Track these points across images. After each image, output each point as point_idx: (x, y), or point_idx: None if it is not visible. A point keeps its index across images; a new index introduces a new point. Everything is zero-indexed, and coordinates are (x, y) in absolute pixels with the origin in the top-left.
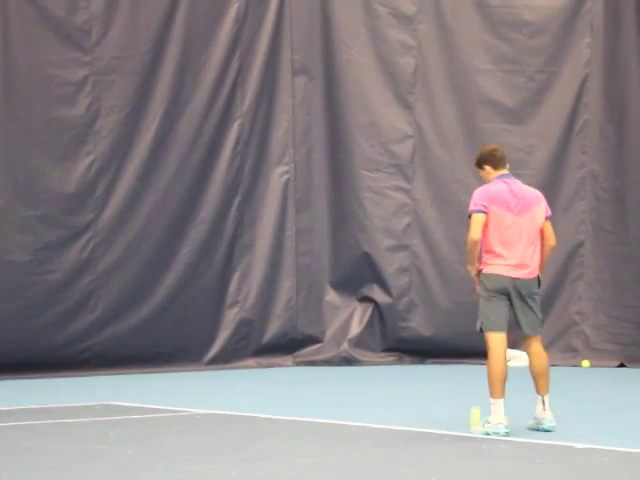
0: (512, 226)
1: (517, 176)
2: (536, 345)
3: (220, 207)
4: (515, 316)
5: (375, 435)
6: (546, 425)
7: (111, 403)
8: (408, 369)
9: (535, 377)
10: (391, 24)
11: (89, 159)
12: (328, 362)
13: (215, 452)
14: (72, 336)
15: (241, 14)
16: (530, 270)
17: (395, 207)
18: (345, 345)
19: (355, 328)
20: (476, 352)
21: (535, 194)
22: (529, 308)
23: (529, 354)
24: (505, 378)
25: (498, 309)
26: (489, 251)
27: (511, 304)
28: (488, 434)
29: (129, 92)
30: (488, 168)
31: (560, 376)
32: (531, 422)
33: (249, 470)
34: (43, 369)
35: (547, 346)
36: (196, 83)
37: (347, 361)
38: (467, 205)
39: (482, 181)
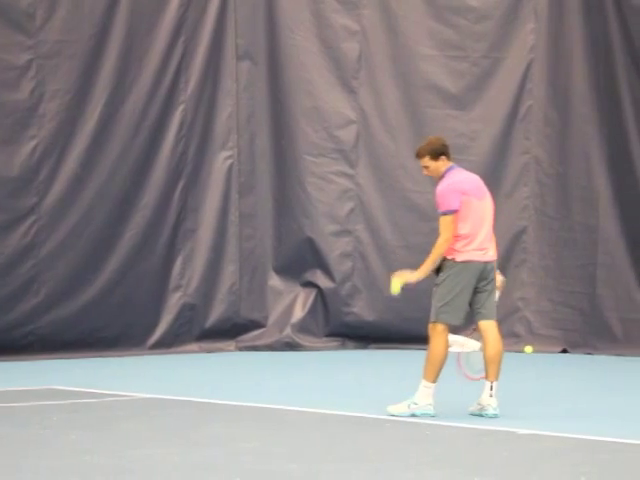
0: (477, 211)
1: (461, 161)
2: (495, 330)
3: (163, 191)
4: (475, 302)
5: (318, 420)
6: (490, 413)
7: (54, 387)
8: (351, 354)
9: (487, 362)
10: (335, 9)
11: (33, 143)
12: (271, 347)
13: (158, 437)
14: (15, 320)
15: None
16: (494, 252)
17: (339, 192)
18: (288, 330)
19: (298, 313)
20: (419, 337)
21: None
22: (491, 292)
23: (487, 339)
24: (442, 365)
25: (465, 302)
26: (459, 238)
27: (475, 289)
28: (415, 415)
29: (73, 76)
30: (444, 158)
31: (503, 361)
32: (474, 407)
33: (192, 454)
34: None
35: None
36: (140, 67)
37: (290, 346)
38: (410, 190)
39: (424, 172)
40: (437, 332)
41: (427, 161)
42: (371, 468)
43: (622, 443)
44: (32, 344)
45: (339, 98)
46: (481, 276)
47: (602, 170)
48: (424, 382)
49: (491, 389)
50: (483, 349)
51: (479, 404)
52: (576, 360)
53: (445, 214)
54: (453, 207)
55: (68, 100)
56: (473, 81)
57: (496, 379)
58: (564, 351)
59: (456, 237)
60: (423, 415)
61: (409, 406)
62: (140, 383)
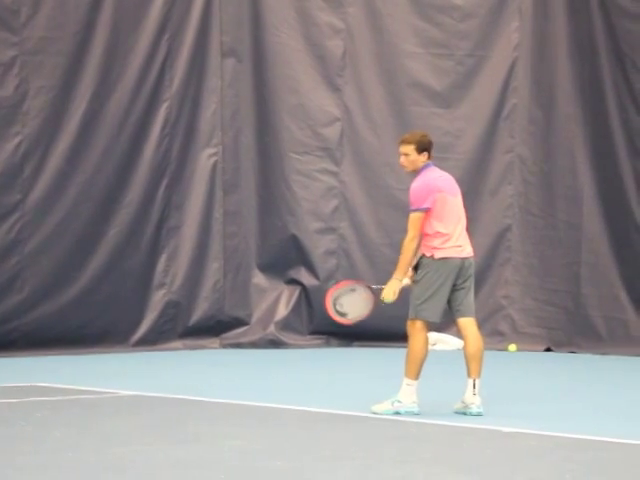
0: (453, 208)
1: (445, 160)
2: (474, 327)
3: (148, 189)
4: (453, 300)
5: (302, 417)
6: (474, 411)
7: (38, 384)
8: (335, 352)
9: (469, 359)
10: (320, 7)
11: (17, 140)
12: (255, 345)
13: (142, 434)
14: None
15: None
16: (470, 249)
17: (323, 190)
18: (272, 328)
19: (282, 311)
20: (403, 335)
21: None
22: (469, 289)
23: (466, 336)
24: (423, 361)
25: (444, 299)
26: (437, 235)
27: (454, 287)
28: (399, 413)
29: (58, 73)
30: (426, 154)
31: (487, 360)
32: (458, 405)
33: (176, 452)
34: None
35: None
36: (125, 64)
37: (274, 344)
38: (394, 188)
39: (401, 160)
40: (416, 329)
41: (411, 150)
42: (355, 465)
43: (606, 442)
44: (16, 341)
45: (324, 96)
46: (459, 273)
47: (586, 168)
48: (406, 380)
49: (474, 387)
50: (463, 347)
51: (463, 402)
52: (560, 359)
53: (415, 211)
54: (424, 205)
55: (52, 97)
56: (458, 79)
57: (478, 376)
58: (548, 350)
59: (434, 234)
60: (407, 413)
61: (393, 404)
62: (124, 380)
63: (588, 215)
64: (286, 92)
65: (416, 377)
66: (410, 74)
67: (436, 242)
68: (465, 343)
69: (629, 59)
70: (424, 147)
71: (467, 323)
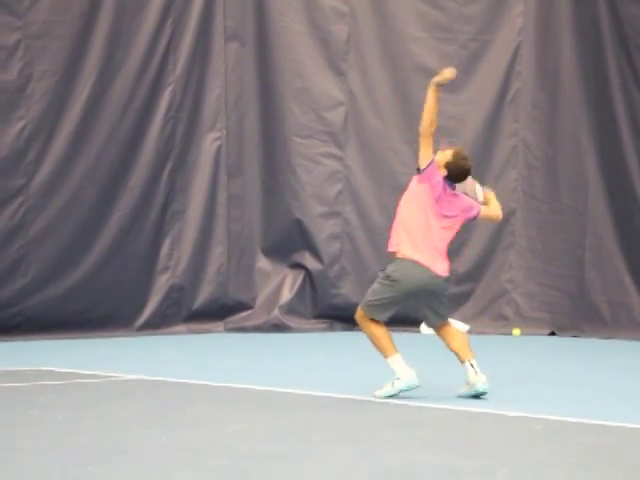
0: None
1: (449, 144)
2: (450, 325)
3: (152, 173)
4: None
5: (305, 401)
6: (480, 388)
7: (42, 368)
8: (339, 336)
9: (458, 351)
10: None
11: (21, 124)
12: (259, 328)
13: (146, 418)
14: (3, 301)
15: None
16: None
17: (327, 174)
18: (276, 312)
19: (286, 295)
20: (406, 319)
21: None
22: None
23: (448, 336)
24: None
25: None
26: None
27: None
28: (403, 390)
29: (61, 57)
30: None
31: (491, 344)
32: (464, 388)
33: (180, 436)
34: None
35: (478, 314)
36: (129, 48)
37: (278, 328)
38: (398, 172)
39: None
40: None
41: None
42: (359, 450)
43: (611, 426)
44: (20, 325)
45: (328, 80)
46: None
47: (591, 153)
48: (389, 360)
49: (473, 366)
50: (449, 345)
51: (468, 384)
52: (564, 343)
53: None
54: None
55: (56, 81)
56: (462, 63)
57: (472, 357)
58: (552, 334)
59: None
60: (410, 387)
61: (393, 384)
62: (128, 364)
63: (592, 199)
64: (290, 76)
65: (394, 351)
66: (414, 58)
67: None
68: (449, 342)
69: (633, 43)
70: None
71: (445, 326)
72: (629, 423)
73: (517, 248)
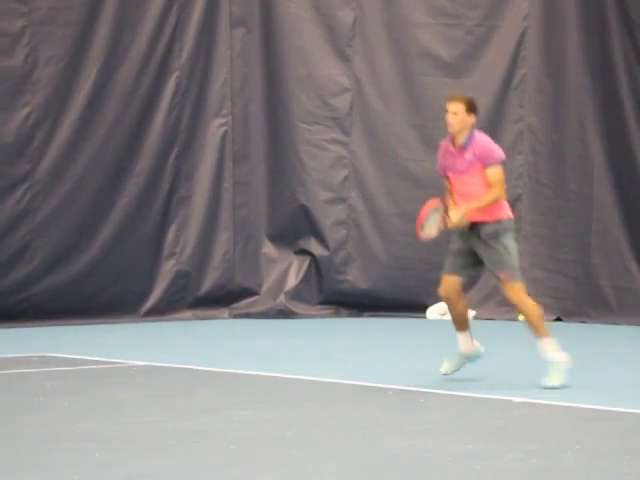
0: None
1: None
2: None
3: (157, 159)
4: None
5: (311, 388)
6: (481, 352)
7: (48, 354)
8: (345, 322)
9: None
10: None
11: (27, 110)
12: (265, 315)
13: (152, 404)
14: (9, 287)
15: None
16: None
17: (332, 160)
18: (282, 298)
19: (292, 281)
20: (413, 305)
21: None
22: None
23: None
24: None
25: None
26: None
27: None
28: (471, 361)
29: (67, 43)
30: (474, 117)
31: (496, 330)
32: (457, 360)
33: (185, 422)
34: None
35: (484, 300)
36: (134, 34)
37: (284, 314)
38: (404, 158)
39: (448, 118)
40: (523, 292)
41: (461, 109)
42: (364, 436)
43: (617, 412)
44: (26, 311)
45: (333, 66)
46: None
47: (596, 138)
48: (545, 340)
49: (470, 335)
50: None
51: (463, 353)
52: (570, 328)
53: (496, 165)
54: (503, 156)
55: (62, 67)
56: (467, 49)
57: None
58: (558, 319)
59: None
60: (476, 358)
61: (558, 370)
62: (134, 350)
63: (598, 185)
64: (296, 62)
65: (547, 333)
66: (420, 44)
67: (505, 203)
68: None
69: (639, 28)
70: (473, 108)
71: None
72: (636, 409)
73: (523, 234)
